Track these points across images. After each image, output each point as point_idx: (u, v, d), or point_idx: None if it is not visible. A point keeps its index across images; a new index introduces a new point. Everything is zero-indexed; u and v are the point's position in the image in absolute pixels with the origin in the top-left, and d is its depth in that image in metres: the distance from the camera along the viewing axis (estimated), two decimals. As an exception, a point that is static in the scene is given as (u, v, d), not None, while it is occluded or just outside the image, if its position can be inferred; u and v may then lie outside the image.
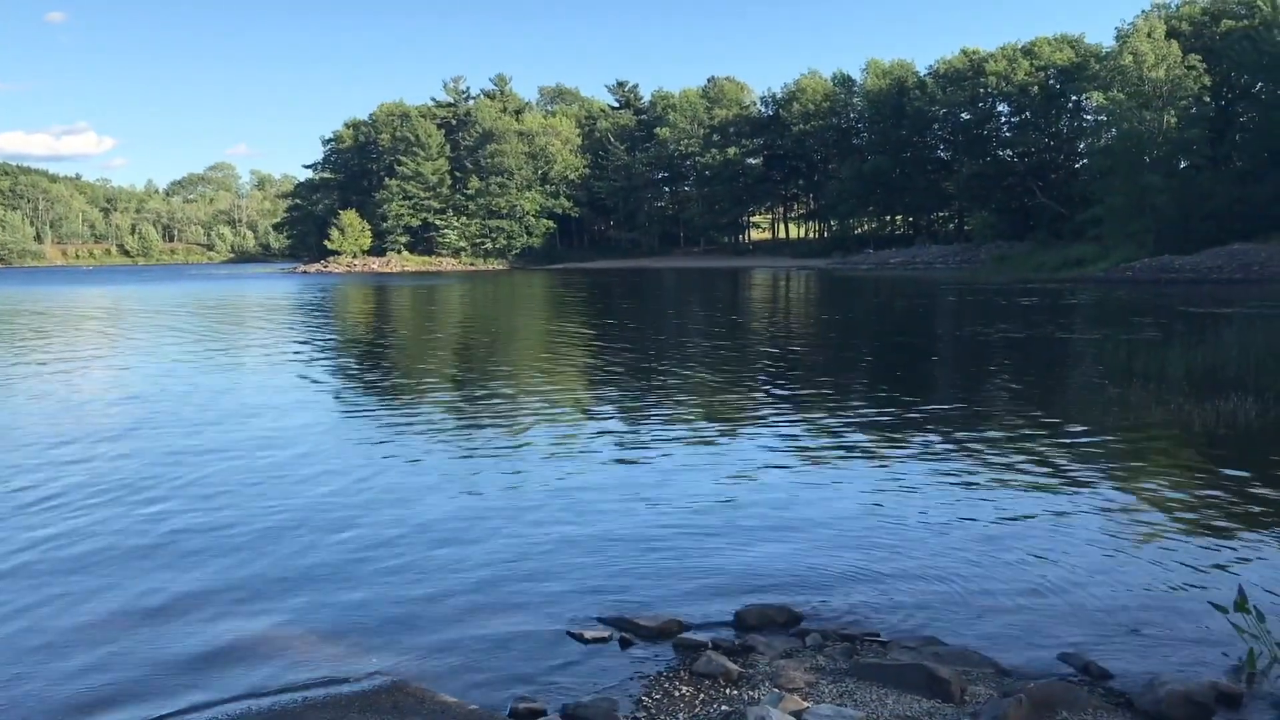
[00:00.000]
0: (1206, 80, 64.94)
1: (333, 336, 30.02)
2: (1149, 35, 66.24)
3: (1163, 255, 58.43)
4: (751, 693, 5.30)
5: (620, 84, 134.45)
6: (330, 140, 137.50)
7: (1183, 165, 66.44)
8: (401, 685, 5.56)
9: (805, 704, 4.96)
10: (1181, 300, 36.73)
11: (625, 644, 6.16)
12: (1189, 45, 67.55)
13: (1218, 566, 7.47)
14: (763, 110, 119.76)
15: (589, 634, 6.25)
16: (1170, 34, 68.05)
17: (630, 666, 5.85)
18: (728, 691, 5.35)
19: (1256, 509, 9.03)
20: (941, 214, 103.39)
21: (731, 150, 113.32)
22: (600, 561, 7.73)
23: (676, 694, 5.37)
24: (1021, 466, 10.88)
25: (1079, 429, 13.02)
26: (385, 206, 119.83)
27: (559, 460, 11.42)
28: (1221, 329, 21.72)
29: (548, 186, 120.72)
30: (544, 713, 5.19)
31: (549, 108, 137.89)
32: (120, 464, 11.39)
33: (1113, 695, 5.39)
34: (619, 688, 5.55)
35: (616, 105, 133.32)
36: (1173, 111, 63.92)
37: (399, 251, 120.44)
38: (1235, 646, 5.85)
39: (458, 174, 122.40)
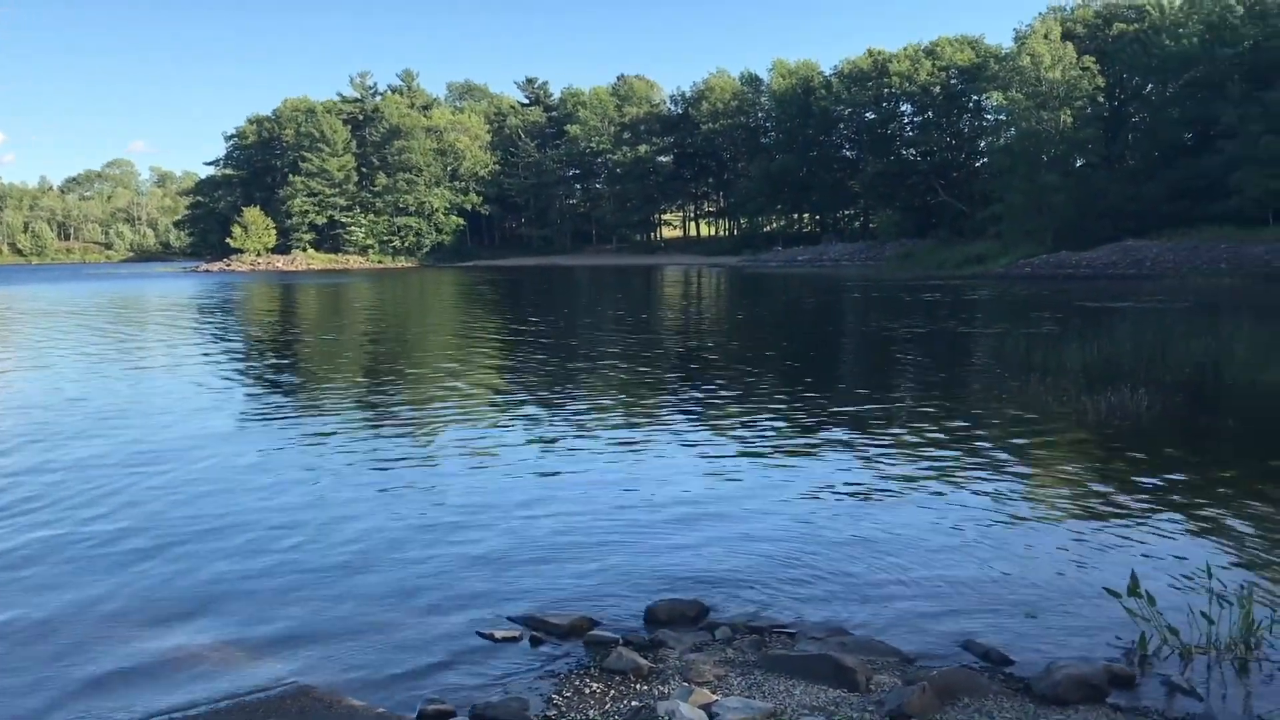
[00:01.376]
0: (1100, 81, 67.14)
1: (239, 339, 29.38)
2: (1046, 37, 68.22)
3: (1060, 251, 60.26)
4: (662, 687, 5.32)
5: (530, 80, 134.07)
6: (233, 136, 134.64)
7: (1078, 164, 68.61)
8: (308, 690, 5.47)
9: (715, 697, 5.00)
10: (1078, 295, 37.85)
11: (536, 642, 6.14)
12: (1083, 47, 69.76)
13: (1112, 553, 7.71)
14: (672, 109, 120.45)
15: (499, 633, 6.21)
16: (1066, 36, 70.20)
17: (541, 665, 5.83)
18: (638, 687, 5.37)
19: (1149, 497, 9.35)
20: (847, 212, 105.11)
21: (642, 148, 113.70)
22: (511, 561, 7.69)
23: (587, 691, 5.37)
24: (924, 459, 11.10)
25: (980, 421, 13.34)
26: (290, 204, 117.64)
27: (470, 462, 11.33)
28: (1116, 323, 22.48)
29: (457, 183, 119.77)
30: (453, 714, 5.15)
31: (458, 104, 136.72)
32: (16, 476, 11.00)
33: (1012, 681, 5.53)
34: (529, 686, 5.53)
35: (526, 102, 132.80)
36: (1068, 111, 65.93)
37: (304, 249, 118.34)
38: (1129, 630, 6.04)
39: (364, 170, 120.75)
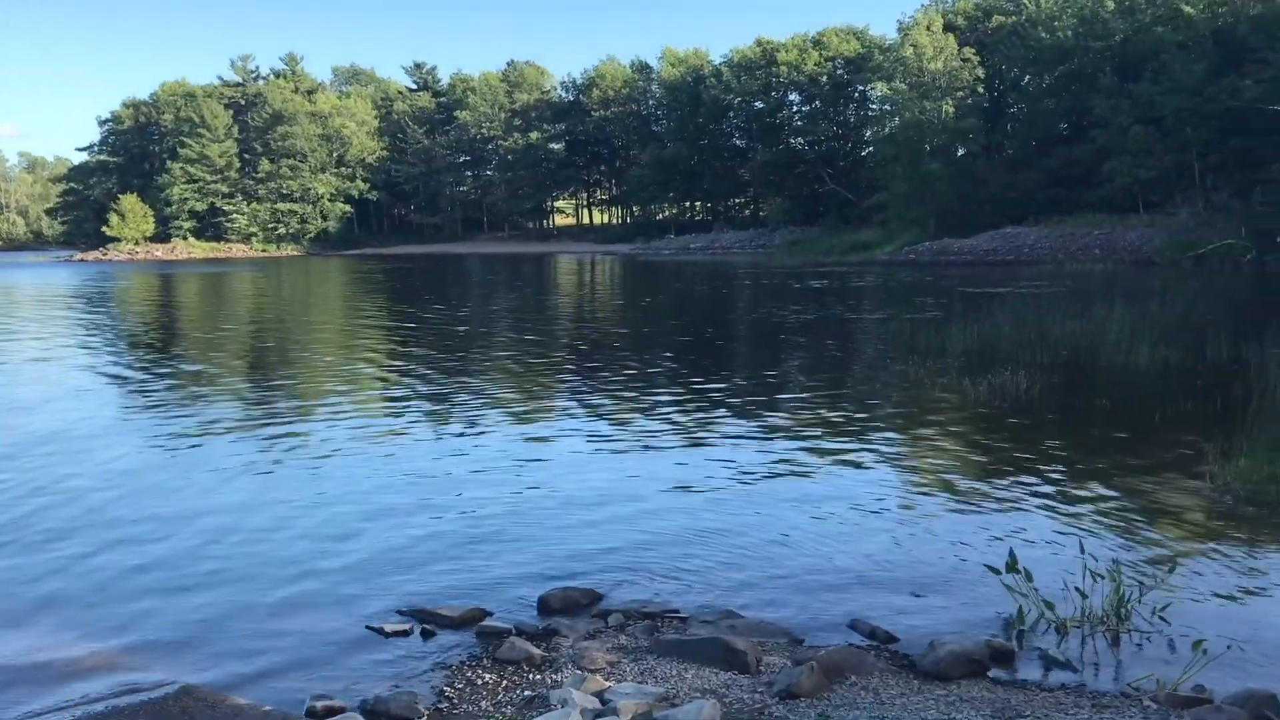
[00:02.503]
0: (980, 72, 68.91)
1: (122, 332, 28.37)
2: (928, 29, 69.74)
3: (943, 238, 61.86)
4: (555, 676, 5.32)
5: (418, 65, 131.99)
6: (108, 120, 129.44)
7: (960, 153, 70.31)
8: (191, 690, 5.32)
9: (607, 684, 5.01)
10: (960, 281, 38.88)
11: (427, 635, 6.08)
12: (964, 39, 71.50)
13: (993, 531, 7.94)
14: (564, 96, 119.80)
15: (389, 627, 6.13)
16: (947, 28, 71.80)
17: (432, 657, 5.78)
18: (531, 676, 5.35)
19: (1027, 476, 9.66)
20: (738, 200, 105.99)
21: (534, 135, 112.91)
22: (402, 556, 7.58)
23: (480, 682, 5.33)
24: (811, 443, 11.30)
25: (864, 406, 13.64)
26: (169, 191, 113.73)
27: (360, 456, 11.15)
28: (996, 308, 23.11)
29: (343, 169, 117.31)
30: (343, 710, 5.06)
31: (343, 88, 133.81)
32: None
33: (897, 658, 5.67)
34: (421, 679, 5.47)
35: (414, 87, 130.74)
36: (950, 102, 67.57)
37: (184, 238, 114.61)
38: (1008, 606, 6.24)
39: (247, 157, 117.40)
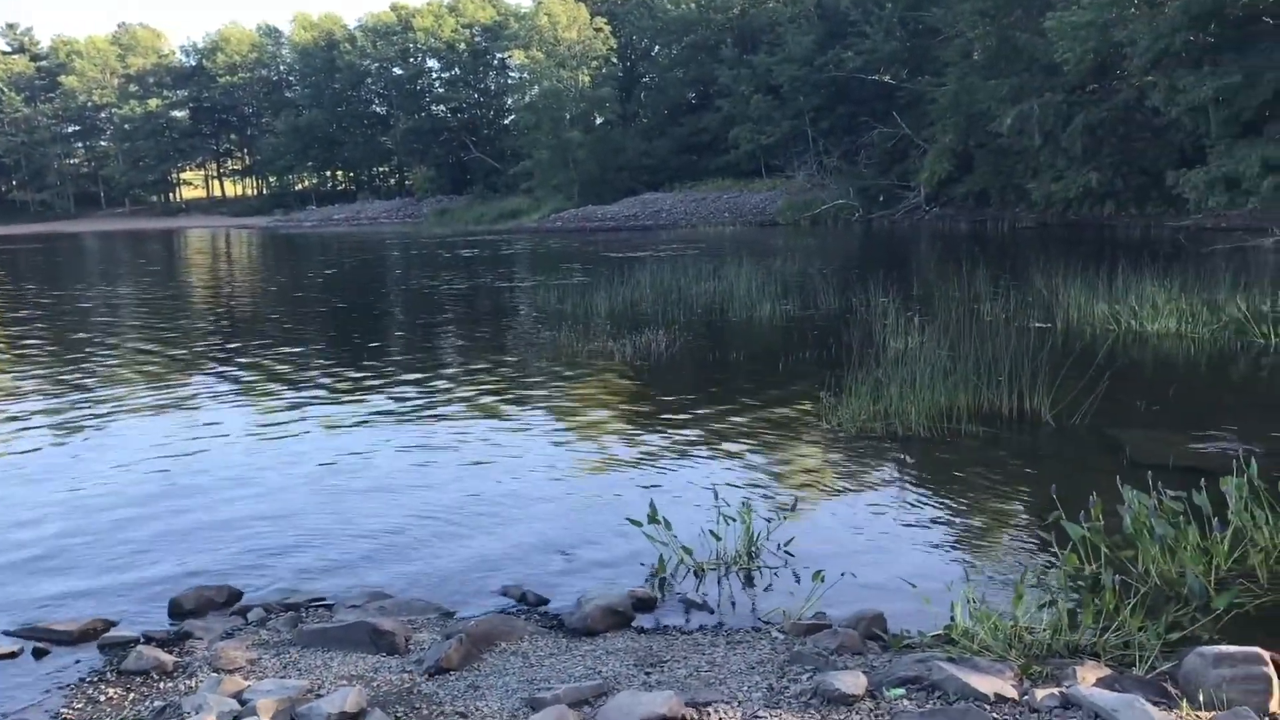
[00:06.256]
0: (613, 43, 71.14)
1: None
2: (560, -2, 71.10)
3: (586, 205, 63.58)
4: (189, 681, 4.98)
5: (10, 26, 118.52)
6: None
7: (599, 121, 72.42)
8: None
9: (246, 683, 4.75)
10: (604, 246, 40.08)
11: (40, 654, 5.50)
12: (596, 9, 73.46)
13: (636, 487, 8.25)
14: (185, 60, 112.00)
15: (-7, 651, 5.50)
16: (579, -3, 73.53)
17: (47, 678, 5.23)
18: (162, 685, 4.98)
19: (668, 430, 10.12)
20: (382, 169, 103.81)
21: (153, 102, 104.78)
22: (8, 567, 6.83)
23: (103, 698, 4.89)
24: (464, 416, 11.27)
25: (517, 374, 13.78)
26: None
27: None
28: (637, 270, 23.98)
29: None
30: (-68, 755, 4.50)
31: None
32: None
33: (548, 619, 5.77)
34: (34, 704, 4.93)
35: (8, 50, 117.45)
36: (586, 71, 69.37)
37: None
38: (651, 556, 6.50)
39: None
